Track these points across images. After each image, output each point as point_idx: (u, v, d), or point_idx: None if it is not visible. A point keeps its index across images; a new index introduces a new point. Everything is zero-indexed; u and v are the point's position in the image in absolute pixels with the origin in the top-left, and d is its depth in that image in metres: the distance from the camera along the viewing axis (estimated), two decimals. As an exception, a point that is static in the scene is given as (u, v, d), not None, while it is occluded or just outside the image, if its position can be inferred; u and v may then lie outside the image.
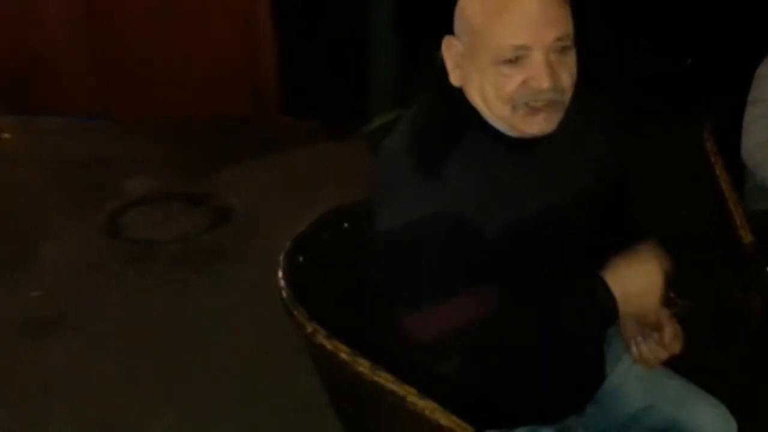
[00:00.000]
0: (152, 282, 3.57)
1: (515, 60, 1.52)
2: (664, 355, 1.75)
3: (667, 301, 1.94)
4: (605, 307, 1.59)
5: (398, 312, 1.59)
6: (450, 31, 1.67)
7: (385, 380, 1.61)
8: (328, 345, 1.68)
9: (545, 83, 1.52)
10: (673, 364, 1.87)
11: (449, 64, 1.62)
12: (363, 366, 1.64)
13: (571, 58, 1.56)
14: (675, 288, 1.96)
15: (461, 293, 1.54)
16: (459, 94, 1.62)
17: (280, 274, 1.83)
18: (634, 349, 1.77)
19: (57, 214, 4.07)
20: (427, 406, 1.58)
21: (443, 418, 1.57)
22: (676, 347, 1.74)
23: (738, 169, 2.49)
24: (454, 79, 1.62)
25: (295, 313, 1.75)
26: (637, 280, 1.61)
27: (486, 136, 1.60)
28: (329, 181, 4.18)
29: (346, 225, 1.98)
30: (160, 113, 4.95)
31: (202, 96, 4.97)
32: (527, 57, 1.52)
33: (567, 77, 1.56)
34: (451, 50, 1.61)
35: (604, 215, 1.77)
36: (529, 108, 1.55)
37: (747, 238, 2.28)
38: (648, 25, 4.63)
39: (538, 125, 1.56)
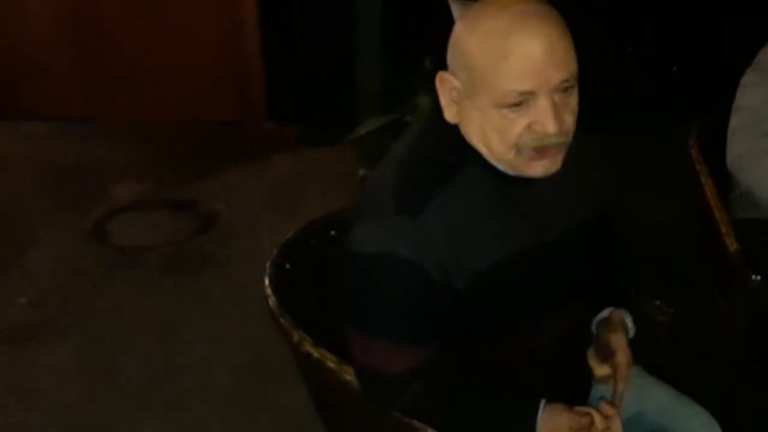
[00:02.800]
0: (138, 288, 3.56)
1: (519, 104, 1.46)
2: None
3: (654, 309, 1.95)
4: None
5: (343, 323, 1.60)
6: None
7: (372, 389, 1.61)
8: (315, 353, 1.68)
9: (551, 128, 1.46)
10: (660, 371, 1.88)
11: (443, 100, 1.56)
12: (349, 374, 1.63)
13: (574, 98, 1.51)
14: (661, 295, 1.97)
15: (402, 341, 1.54)
16: (455, 130, 1.57)
17: (267, 281, 1.83)
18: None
19: (42, 219, 4.05)
20: (415, 416, 1.58)
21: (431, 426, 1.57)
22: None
23: (724, 176, 2.50)
24: (449, 116, 1.56)
25: (282, 320, 1.75)
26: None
27: (483, 173, 1.56)
28: (315, 187, 4.18)
29: (333, 233, 1.97)
30: (146, 118, 4.93)
31: (188, 101, 4.95)
32: (532, 100, 1.46)
33: (570, 118, 1.51)
34: (445, 86, 1.55)
35: (591, 251, 1.74)
36: (535, 151, 1.50)
37: (732, 246, 2.28)
38: (633, 33, 4.65)
39: (543, 168, 1.52)
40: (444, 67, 1.59)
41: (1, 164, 4.63)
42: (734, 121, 2.48)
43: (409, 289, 1.52)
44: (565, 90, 1.48)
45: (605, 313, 1.75)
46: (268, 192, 4.28)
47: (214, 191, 4.29)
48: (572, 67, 1.48)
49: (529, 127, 1.48)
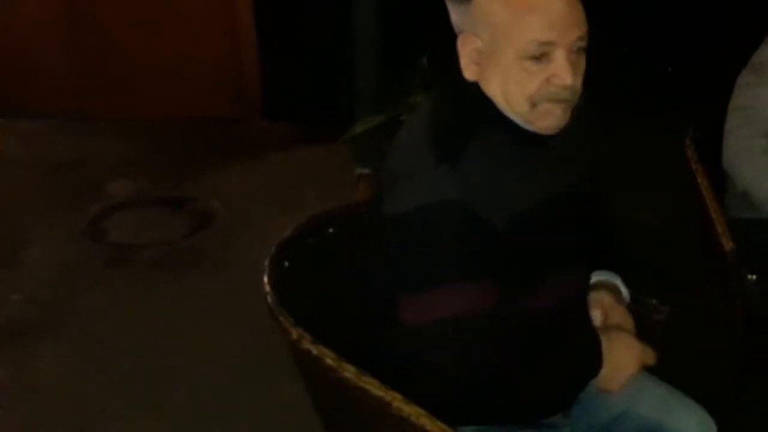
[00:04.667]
0: (133, 286, 3.56)
1: (539, 57, 1.59)
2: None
3: (650, 308, 1.96)
4: (590, 361, 1.69)
5: (397, 294, 1.64)
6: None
7: (371, 385, 1.61)
8: (314, 350, 1.69)
9: (569, 80, 1.59)
10: (656, 368, 1.89)
11: (464, 60, 1.66)
12: (348, 371, 1.64)
13: (583, 61, 1.65)
14: (657, 294, 1.98)
15: (462, 283, 1.59)
16: (474, 88, 1.67)
17: (266, 278, 1.83)
18: None
19: (38, 216, 4.05)
20: (412, 412, 1.58)
21: (429, 423, 1.57)
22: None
23: (719, 176, 2.51)
24: (469, 74, 1.66)
25: (281, 318, 1.75)
26: (621, 356, 1.71)
27: (502, 128, 1.66)
28: (311, 185, 4.18)
29: (331, 230, 1.98)
30: (142, 115, 4.93)
31: (184, 99, 4.95)
32: (551, 54, 1.59)
33: (580, 79, 1.64)
34: (466, 46, 1.65)
35: (591, 207, 1.85)
36: (548, 103, 1.61)
37: (728, 245, 2.29)
38: (629, 33, 4.66)
39: (554, 121, 1.64)
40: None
41: (-3, 161, 4.63)
42: (730, 121, 2.49)
43: (468, 230, 1.59)
44: (578, 50, 1.62)
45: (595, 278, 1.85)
46: (264, 190, 4.28)
47: (210, 189, 4.29)
48: (585, 26, 1.62)
49: (547, 80, 1.60)
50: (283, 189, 4.25)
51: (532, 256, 1.67)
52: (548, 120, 1.64)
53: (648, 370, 1.86)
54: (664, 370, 1.89)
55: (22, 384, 3.00)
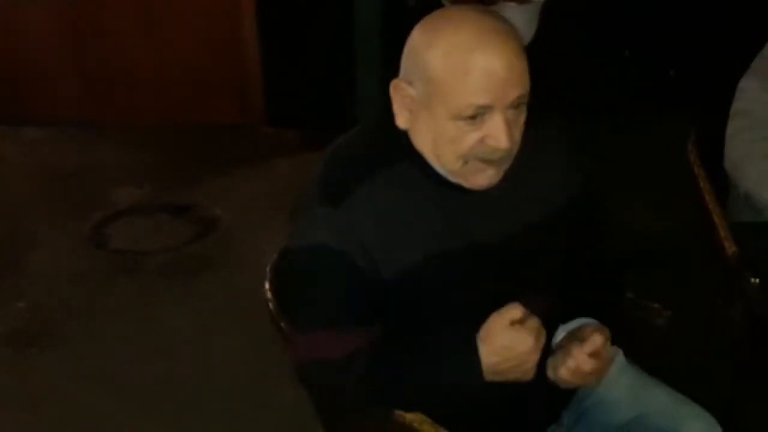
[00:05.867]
0: (138, 293, 3.56)
1: (474, 117, 1.51)
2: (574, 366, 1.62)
3: (653, 312, 1.96)
4: (469, 374, 1.56)
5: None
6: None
7: (372, 392, 1.61)
8: (314, 356, 1.69)
9: (503, 143, 1.52)
10: (659, 373, 1.89)
11: (396, 106, 1.60)
12: (349, 377, 1.64)
13: (523, 114, 1.57)
14: (660, 298, 1.98)
15: (338, 328, 1.57)
16: (404, 137, 1.61)
17: (267, 285, 1.83)
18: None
19: (42, 224, 4.05)
20: (414, 419, 1.58)
21: (431, 430, 1.57)
22: (587, 365, 1.62)
23: (722, 180, 2.51)
24: (401, 121, 1.60)
25: (282, 324, 1.75)
26: (510, 353, 1.54)
27: (421, 175, 1.60)
28: (315, 191, 4.17)
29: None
30: (146, 123, 4.93)
31: (187, 106, 4.95)
32: (486, 115, 1.51)
33: (518, 133, 1.57)
34: (399, 93, 1.59)
35: (551, 252, 1.73)
36: (481, 162, 1.56)
37: (731, 249, 2.29)
38: (631, 36, 4.66)
39: (487, 179, 1.58)
40: None
41: (1, 169, 4.63)
42: (732, 125, 2.48)
43: (337, 276, 1.56)
44: (518, 106, 1.54)
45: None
46: (267, 196, 4.28)
47: (213, 196, 4.29)
48: (527, 84, 1.54)
49: (481, 140, 1.53)
50: (287, 195, 4.20)
51: (433, 308, 1.61)
52: (479, 179, 1.57)
53: (651, 373, 1.86)
54: (667, 374, 1.89)
55: (27, 391, 3.01)
